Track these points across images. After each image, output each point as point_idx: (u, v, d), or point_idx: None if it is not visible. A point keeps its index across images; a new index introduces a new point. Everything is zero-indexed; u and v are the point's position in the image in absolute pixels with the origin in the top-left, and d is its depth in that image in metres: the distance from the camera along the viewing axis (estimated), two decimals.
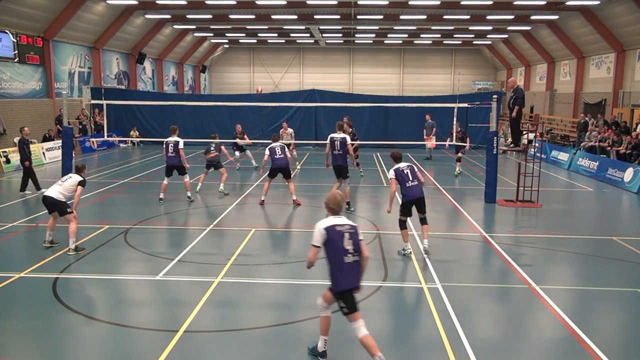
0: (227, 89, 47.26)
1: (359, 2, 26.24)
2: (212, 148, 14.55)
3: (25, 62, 22.45)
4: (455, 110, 15.64)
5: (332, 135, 12.51)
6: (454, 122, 15.73)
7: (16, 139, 16.37)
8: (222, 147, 15.31)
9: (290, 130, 18.92)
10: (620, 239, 10.59)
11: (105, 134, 17.40)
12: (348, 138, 12.42)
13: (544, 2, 25.21)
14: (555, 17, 28.67)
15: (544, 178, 16.41)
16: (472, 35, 38.56)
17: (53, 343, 6.17)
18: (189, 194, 13.40)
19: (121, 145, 26.84)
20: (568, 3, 24.92)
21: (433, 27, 34.20)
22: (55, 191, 9.26)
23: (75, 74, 27.04)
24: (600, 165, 18.63)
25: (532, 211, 13.22)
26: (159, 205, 13.17)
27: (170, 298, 7.52)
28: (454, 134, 16.11)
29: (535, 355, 6.02)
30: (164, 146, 13.40)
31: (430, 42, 42.65)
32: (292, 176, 13.54)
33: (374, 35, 39.33)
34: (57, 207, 9.28)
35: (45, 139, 22.64)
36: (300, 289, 7.90)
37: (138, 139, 26.03)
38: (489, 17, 29.52)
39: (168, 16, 31.41)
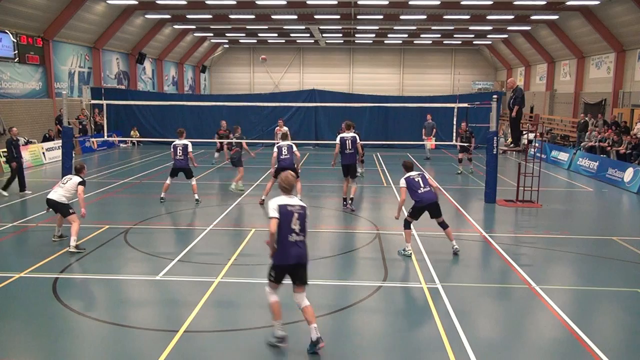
0: (227, 89, 47.25)
1: (359, 2, 26.24)
2: (233, 144, 14.47)
3: (25, 62, 22.46)
4: (455, 110, 15.64)
5: (341, 135, 12.73)
6: (462, 123, 15.76)
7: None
8: (244, 143, 15.22)
9: (285, 128, 18.88)
10: (620, 239, 10.59)
11: (105, 134, 17.41)
12: (357, 137, 12.64)
13: (544, 2, 25.22)
14: (555, 17, 28.68)
15: (544, 178, 16.41)
16: (472, 35, 38.56)
17: (53, 343, 6.17)
18: (196, 196, 13.38)
19: (121, 145, 26.83)
20: (568, 3, 24.93)
21: (433, 27, 34.20)
22: (57, 194, 9.49)
23: (75, 74, 27.04)
24: (600, 166, 18.63)
25: (532, 211, 13.22)
26: (159, 205, 13.17)
27: (170, 298, 7.52)
28: (461, 134, 16.17)
29: (535, 355, 6.02)
30: (172, 149, 13.38)
31: (430, 42, 42.65)
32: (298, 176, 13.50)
33: (374, 35, 39.34)
34: (59, 208, 9.50)
35: (45, 139, 22.64)
36: None
37: (138, 139, 26.04)
38: (489, 17, 29.52)
39: (168, 16, 31.42)
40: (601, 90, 28.78)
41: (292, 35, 40.00)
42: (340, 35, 39.97)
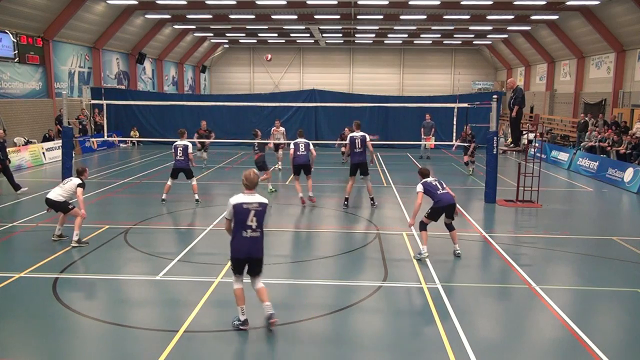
0: (227, 89, 47.25)
1: (359, 2, 26.24)
2: (255, 148, 14.44)
3: (25, 62, 22.45)
4: (455, 110, 15.64)
5: (351, 134, 12.96)
6: (465, 126, 15.83)
7: None
8: (267, 146, 15.19)
9: (282, 129, 18.90)
10: (620, 239, 10.59)
11: (105, 134, 17.40)
12: (367, 136, 12.93)
13: (544, 2, 25.22)
14: (555, 17, 28.68)
15: (544, 178, 16.41)
16: (472, 35, 38.56)
17: (53, 343, 6.17)
18: (196, 196, 13.39)
19: (121, 145, 26.83)
20: (568, 3, 24.93)
21: (433, 27, 34.20)
22: (55, 193, 9.63)
23: (75, 74, 27.04)
24: (600, 166, 18.63)
25: (532, 211, 13.22)
26: (159, 205, 13.17)
27: (170, 298, 7.51)
28: (464, 137, 16.21)
29: (535, 355, 6.02)
30: (173, 150, 13.44)
31: (430, 42, 42.65)
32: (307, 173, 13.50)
33: (374, 35, 39.33)
34: (58, 207, 9.63)
35: (45, 139, 22.64)
36: (300, 289, 7.90)
37: (138, 139, 26.04)
38: (489, 17, 29.52)
39: (168, 16, 31.42)
40: (601, 90, 28.78)
41: (292, 35, 40.00)
42: (340, 35, 39.97)
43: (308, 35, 39.28)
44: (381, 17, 30.39)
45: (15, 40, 21.57)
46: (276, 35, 39.90)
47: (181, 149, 13.23)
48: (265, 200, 6.34)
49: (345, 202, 13.13)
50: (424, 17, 29.94)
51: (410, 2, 25.99)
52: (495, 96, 14.60)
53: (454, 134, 15.97)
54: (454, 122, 15.76)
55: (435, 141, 22.49)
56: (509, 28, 33.68)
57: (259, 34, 40.16)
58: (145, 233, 10.84)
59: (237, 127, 26.71)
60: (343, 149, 16.83)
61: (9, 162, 15.17)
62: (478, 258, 9.66)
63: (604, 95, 28.42)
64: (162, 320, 6.83)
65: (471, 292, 7.77)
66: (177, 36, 37.75)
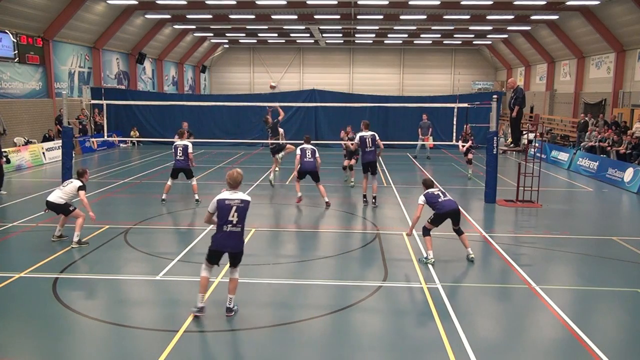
0: (227, 89, 47.22)
1: (359, 2, 26.23)
2: (269, 132, 15.07)
3: (25, 62, 22.44)
4: (455, 110, 15.64)
5: (361, 134, 12.97)
6: (465, 125, 15.83)
7: None
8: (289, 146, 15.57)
9: (281, 130, 18.82)
10: (620, 239, 10.59)
11: (105, 134, 17.39)
12: (376, 135, 13.01)
13: (544, 2, 25.21)
14: (555, 17, 28.67)
15: (544, 178, 16.41)
16: (472, 35, 38.55)
17: (53, 343, 6.18)
18: (196, 196, 13.39)
19: (121, 145, 26.83)
20: (568, 3, 24.92)
21: (433, 27, 34.18)
22: (55, 196, 9.62)
23: (75, 74, 27.03)
24: (600, 166, 18.63)
25: (532, 211, 13.22)
26: (159, 205, 13.17)
27: (170, 298, 7.52)
28: (464, 136, 16.20)
29: (535, 355, 6.02)
30: (173, 150, 13.47)
31: (430, 42, 42.63)
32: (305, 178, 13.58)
33: (374, 35, 39.32)
34: (59, 210, 9.63)
35: (45, 139, 22.64)
36: (300, 289, 7.90)
37: (138, 139, 26.03)
38: (489, 17, 29.51)
39: (168, 16, 31.40)
40: (601, 90, 28.77)
41: (292, 35, 39.99)
42: (340, 35, 39.96)
43: (308, 35, 39.27)
44: (381, 17, 30.38)
45: (15, 40, 21.56)
46: (276, 35, 39.88)
47: (181, 149, 13.24)
48: (248, 198, 6.67)
49: (365, 200, 13.34)
50: (424, 17, 29.93)
51: (410, 2, 25.98)
52: (495, 96, 14.60)
53: (454, 134, 15.97)
54: (454, 122, 15.76)
55: (433, 141, 22.49)
56: (509, 28, 33.66)
57: (259, 34, 40.15)
58: (145, 233, 10.84)
59: (237, 127, 26.76)
60: (345, 162, 16.46)
61: (7, 161, 15.15)
62: (478, 258, 9.63)
63: (604, 95, 28.42)
64: (162, 320, 6.83)
65: (471, 292, 7.78)
66: (177, 36, 37.74)
